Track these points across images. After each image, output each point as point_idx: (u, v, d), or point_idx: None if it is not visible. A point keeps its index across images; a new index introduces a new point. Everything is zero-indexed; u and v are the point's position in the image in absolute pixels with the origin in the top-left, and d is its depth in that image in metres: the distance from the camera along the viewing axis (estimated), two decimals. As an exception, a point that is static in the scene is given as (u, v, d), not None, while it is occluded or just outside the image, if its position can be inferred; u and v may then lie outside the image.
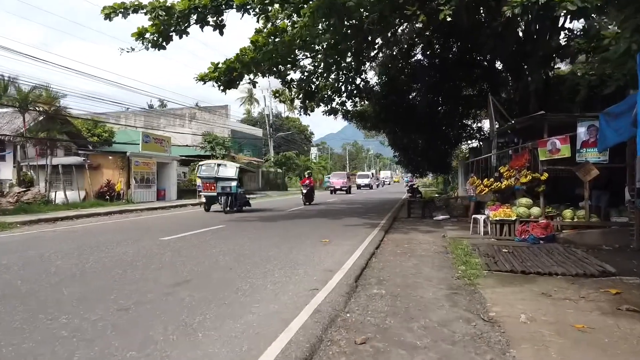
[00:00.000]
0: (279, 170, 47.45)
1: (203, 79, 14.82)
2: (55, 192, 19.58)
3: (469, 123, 25.14)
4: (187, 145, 33.13)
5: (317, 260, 7.38)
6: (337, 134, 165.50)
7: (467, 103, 22.64)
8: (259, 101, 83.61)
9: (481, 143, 23.11)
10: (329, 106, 21.32)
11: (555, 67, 16.56)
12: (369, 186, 54.09)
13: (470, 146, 24.36)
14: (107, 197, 21.37)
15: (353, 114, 23.87)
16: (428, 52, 21.58)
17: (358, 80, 21.15)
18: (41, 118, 21.21)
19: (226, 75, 14.48)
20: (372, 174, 61.95)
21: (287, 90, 16.72)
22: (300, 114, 21.10)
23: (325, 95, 20.19)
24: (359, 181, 54.62)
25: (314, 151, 75.44)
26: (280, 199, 31.90)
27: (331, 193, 40.17)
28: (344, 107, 22.60)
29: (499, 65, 21.43)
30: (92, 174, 22.42)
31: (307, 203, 22.79)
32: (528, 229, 9.98)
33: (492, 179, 11.72)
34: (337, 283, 5.62)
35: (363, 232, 11.44)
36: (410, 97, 23.19)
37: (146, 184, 23.44)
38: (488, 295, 5.15)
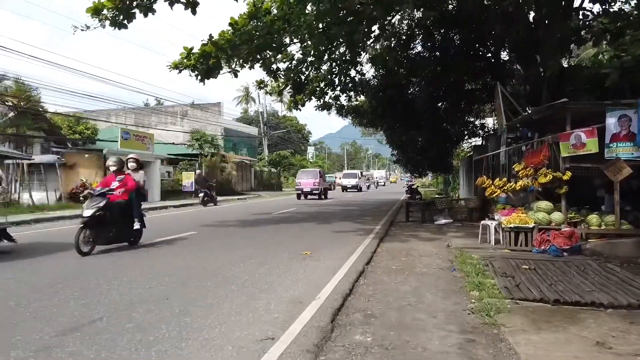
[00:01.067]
0: (273, 169, 45.83)
1: (177, 67, 13.22)
2: (30, 192, 18.01)
3: (472, 120, 23.58)
4: (172, 143, 31.49)
5: (288, 283, 5.78)
6: (336, 133, 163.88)
7: (470, 98, 21.05)
8: (255, 100, 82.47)
9: (485, 141, 21.56)
10: (322, 100, 19.77)
11: (571, 55, 14.98)
12: (357, 188, 45.11)
13: (473, 144, 22.73)
14: (82, 198, 19.73)
15: (348, 109, 22.30)
16: (428, 44, 19.97)
17: (353, 73, 19.59)
18: (11, 113, 19.64)
19: (202, 62, 12.89)
20: (361, 173, 49.90)
21: (273, 80, 15.12)
22: (291, 110, 19.53)
23: (317, 88, 18.62)
24: (344, 182, 46.30)
25: (310, 150, 73.91)
26: (271, 199, 30.31)
27: (298, 198, 30.93)
28: (338, 102, 21.03)
29: (504, 56, 19.90)
30: (67, 173, 20.81)
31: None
32: (549, 238, 8.39)
33: (504, 179, 10.11)
34: (305, 325, 4.01)
35: (354, 240, 9.86)
36: (409, 91, 21.61)
37: (125, 184, 21.80)
38: (521, 348, 3.55)
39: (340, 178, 51.81)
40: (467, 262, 7.16)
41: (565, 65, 14.77)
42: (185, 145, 30.26)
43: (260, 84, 15.43)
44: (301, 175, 33.73)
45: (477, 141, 22.47)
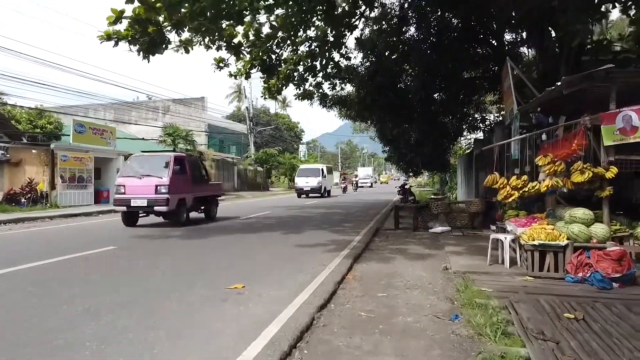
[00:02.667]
0: (260, 168, 43.24)
1: (110, 37, 10.61)
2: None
3: (472, 112, 21.10)
4: (142, 139, 28.86)
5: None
6: (333, 133, 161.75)
7: (469, 88, 18.56)
8: (248, 96, 79.64)
9: (489, 132, 19.09)
10: (301, 88, 17.25)
11: (603, 18, 12.48)
12: (320, 191, 32.34)
13: (475, 138, 20.22)
14: (24, 200, 17.15)
15: (332, 99, 19.80)
16: (423, 25, 17.43)
17: (337, 57, 17.06)
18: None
19: (140, 32, 10.31)
20: (323, 169, 35.07)
21: (234, 58, 12.54)
22: (265, 97, 16.98)
23: (295, 73, 16.09)
24: (298, 183, 32.92)
25: (302, 149, 71.31)
26: (251, 201, 27.72)
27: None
28: (321, 90, 18.51)
29: (509, 38, 17.50)
30: (11, 171, 18.20)
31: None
32: (589, 261, 5.89)
33: (524, 177, 7.55)
34: None
35: (319, 260, 7.33)
36: (402, 79, 19.12)
37: (80, 184, 19.19)
38: None
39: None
40: (476, 303, 4.65)
41: (593, 38, 12.31)
42: (156, 142, 27.59)
43: (220, 62, 12.84)
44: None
45: (478, 136, 19.96)
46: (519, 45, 17.26)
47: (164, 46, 11.16)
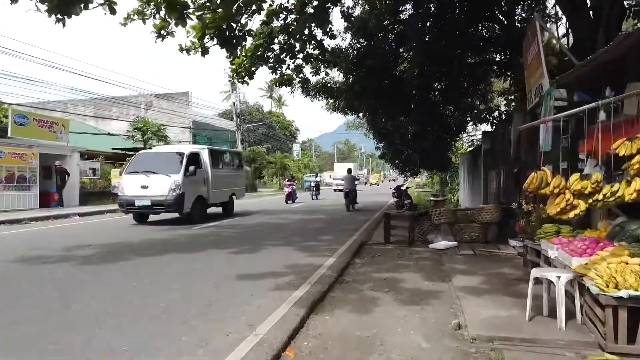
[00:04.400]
0: (247, 168, 40.39)
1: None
2: None
3: (476, 103, 18.39)
4: (108, 134, 26.10)
5: None
6: (331, 133, 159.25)
7: (474, 75, 15.88)
8: (244, 94, 76.84)
9: (495, 126, 16.39)
10: (278, 72, 14.53)
11: None
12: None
13: (481, 131, 17.47)
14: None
15: (317, 86, 17.12)
16: (422, 2, 14.69)
17: (320, 35, 14.36)
18: None
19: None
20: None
21: (180, 23, 9.81)
22: (234, 81, 14.30)
23: (269, 53, 13.40)
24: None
25: (296, 148, 68.53)
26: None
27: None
28: (302, 75, 15.76)
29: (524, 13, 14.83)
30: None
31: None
32: None
33: (596, 177, 4.68)
34: None
35: (251, 312, 4.58)
36: (397, 63, 16.43)
37: (20, 185, 16.39)
38: None
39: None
40: None
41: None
42: (124, 138, 24.78)
43: (161, 30, 10.07)
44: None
45: (482, 131, 17.22)
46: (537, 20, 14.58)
47: (81, 4, 8.39)
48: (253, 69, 13.48)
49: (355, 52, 15.93)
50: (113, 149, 27.64)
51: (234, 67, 13.35)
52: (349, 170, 34.09)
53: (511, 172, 9.43)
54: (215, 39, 10.98)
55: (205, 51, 11.54)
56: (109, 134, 26.07)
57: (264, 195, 36.02)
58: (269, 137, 64.35)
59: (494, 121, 16.85)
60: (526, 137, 9.23)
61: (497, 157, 12.10)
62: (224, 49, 11.32)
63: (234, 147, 47.28)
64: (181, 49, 11.30)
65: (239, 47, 11.74)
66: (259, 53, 13.24)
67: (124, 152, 25.98)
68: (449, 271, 6.54)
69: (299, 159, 63.44)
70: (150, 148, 25.83)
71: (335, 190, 41.07)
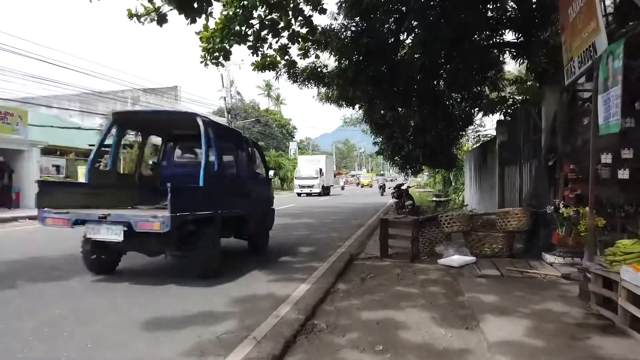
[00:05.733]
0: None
1: None
2: None
3: (485, 91, 16.24)
4: (78, 128, 24.00)
5: None
6: (331, 134, 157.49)
7: (484, 60, 13.72)
8: (240, 93, 74.58)
9: (509, 116, 14.28)
10: (259, 53, 12.43)
11: None
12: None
13: (498, 120, 15.31)
14: None
15: (305, 71, 15.04)
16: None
17: (309, 10, 12.31)
18: None
19: None
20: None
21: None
22: (206, 62, 12.19)
23: (248, 30, 11.32)
24: None
25: (292, 146, 66.46)
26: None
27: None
28: (288, 57, 13.63)
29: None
30: None
31: None
32: None
33: None
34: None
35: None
36: (396, 45, 14.27)
37: (-35, 183, 14.30)
38: None
39: None
40: None
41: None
42: (97, 132, 22.63)
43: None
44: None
45: (497, 120, 15.07)
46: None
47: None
48: (227, 46, 11.43)
49: (349, 32, 13.82)
50: (90, 145, 25.55)
51: (204, 44, 11.30)
52: (320, 170, 30.88)
53: (543, 166, 7.33)
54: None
55: (162, 19, 9.44)
56: (79, 128, 23.94)
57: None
58: (266, 136, 62.26)
59: (508, 111, 14.74)
60: (565, 118, 7.16)
61: (517, 149, 10.03)
62: (183, 15, 9.21)
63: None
64: (130, 15, 9.20)
65: (203, 14, 9.63)
66: (233, 28, 11.14)
67: (104, 148, 23.85)
68: (473, 307, 4.45)
69: (295, 157, 61.31)
70: (130, 145, 23.76)
71: (299, 194, 32.59)
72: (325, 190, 35.52)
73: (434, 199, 26.38)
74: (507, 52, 14.14)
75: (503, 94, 16.73)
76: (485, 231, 7.32)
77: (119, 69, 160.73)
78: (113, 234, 5.15)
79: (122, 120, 7.76)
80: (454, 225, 7.26)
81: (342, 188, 51.12)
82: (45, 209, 5.51)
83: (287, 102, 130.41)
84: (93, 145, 22.56)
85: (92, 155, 7.09)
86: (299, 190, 33.29)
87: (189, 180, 6.27)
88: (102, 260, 6.09)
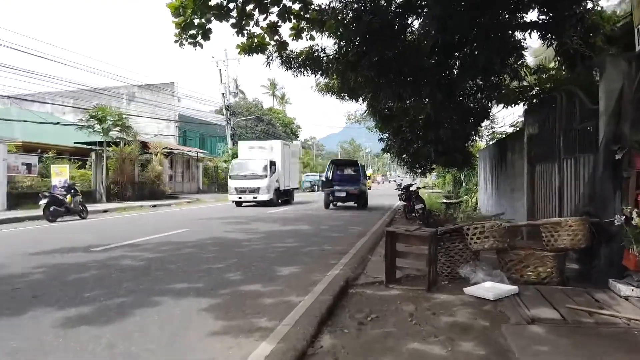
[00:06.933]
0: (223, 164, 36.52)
1: None
2: None
3: (506, 81, 14.28)
4: (57, 123, 22.26)
5: None
6: (338, 134, 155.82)
7: (506, 43, 11.78)
8: (243, 92, 72.90)
9: (536, 105, 12.36)
10: (244, 32, 10.66)
11: None
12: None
13: (525, 109, 13.34)
14: None
15: (299, 56, 13.20)
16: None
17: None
18: None
19: None
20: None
21: None
22: (182, 41, 10.41)
23: (230, 4, 9.57)
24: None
25: (296, 145, 64.51)
26: (204, 207, 21.04)
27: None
28: (278, 38, 11.76)
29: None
30: None
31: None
32: None
33: None
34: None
35: None
36: (404, 25, 12.38)
37: None
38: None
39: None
40: None
41: None
42: (76, 128, 20.86)
43: None
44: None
45: (524, 109, 13.11)
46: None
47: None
48: (203, 21, 9.67)
49: (349, 11, 11.95)
50: (75, 142, 23.87)
51: (175, 18, 9.53)
52: (272, 163, 21.31)
53: (607, 161, 5.43)
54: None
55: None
56: (58, 123, 22.24)
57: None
58: (268, 135, 60.50)
59: (534, 100, 12.79)
60: (635, 96, 5.28)
61: (555, 142, 8.13)
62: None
63: (223, 142, 43.45)
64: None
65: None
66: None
67: (90, 146, 22.23)
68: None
69: (299, 156, 59.44)
70: (115, 143, 22.01)
71: (238, 203, 21.35)
72: (283, 196, 23.69)
73: (444, 200, 24.48)
74: (533, 33, 12.22)
75: (525, 83, 14.81)
76: (528, 249, 5.43)
77: (116, 65, 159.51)
78: (343, 192, 19.66)
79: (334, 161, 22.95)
80: (485, 241, 5.38)
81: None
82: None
83: (292, 101, 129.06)
84: (79, 143, 20.65)
85: None
86: (235, 197, 21.30)
87: (346, 182, 20.70)
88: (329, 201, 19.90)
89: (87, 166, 22.41)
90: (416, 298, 4.89)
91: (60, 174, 16.95)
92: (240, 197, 21.03)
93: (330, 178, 21.12)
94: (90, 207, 16.49)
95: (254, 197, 21.04)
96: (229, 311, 4.40)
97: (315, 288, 5.01)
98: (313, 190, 42.26)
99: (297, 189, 28.08)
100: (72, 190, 13.93)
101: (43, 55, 24.58)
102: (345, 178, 21.40)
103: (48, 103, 39.60)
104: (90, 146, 22.37)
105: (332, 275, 5.70)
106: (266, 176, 21.23)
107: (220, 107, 61.59)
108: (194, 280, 5.72)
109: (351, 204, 20.49)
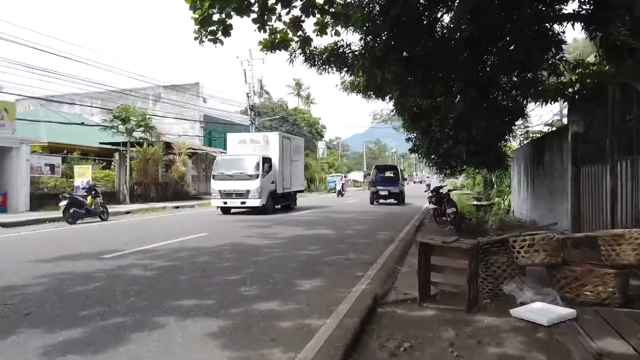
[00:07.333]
0: (261, 166, 36.22)
1: None
2: None
3: (544, 76, 13.33)
4: (82, 124, 22.25)
5: None
6: (363, 134, 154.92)
7: (544, 36, 10.93)
8: (269, 92, 72.84)
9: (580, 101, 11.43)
10: (267, 28, 10.19)
11: None
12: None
13: (566, 99, 12.40)
14: None
15: (323, 52, 12.65)
16: None
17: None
18: None
19: None
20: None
21: None
22: (201, 38, 9.98)
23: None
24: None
25: (321, 146, 64.09)
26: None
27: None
28: (301, 33, 11.22)
29: None
30: None
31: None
32: None
33: None
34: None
35: None
36: (434, 17, 11.67)
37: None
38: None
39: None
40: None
41: None
42: (100, 129, 20.81)
43: None
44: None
45: (568, 101, 12.19)
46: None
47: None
48: (223, 16, 9.23)
49: (376, 5, 11.30)
50: (101, 143, 23.91)
51: (193, 13, 9.13)
52: (266, 160, 17.30)
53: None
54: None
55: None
56: (82, 123, 22.27)
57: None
58: (293, 135, 60.21)
59: (575, 96, 11.88)
60: None
61: (606, 141, 7.34)
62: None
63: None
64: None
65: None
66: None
67: (115, 147, 22.22)
68: None
69: (323, 157, 58.93)
70: (139, 143, 21.90)
71: (224, 209, 18.03)
72: (282, 200, 19.71)
73: (475, 202, 23.54)
74: (574, 25, 11.33)
75: (563, 79, 13.85)
76: (583, 264, 4.72)
77: (142, 66, 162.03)
78: (385, 192, 24.66)
79: (377, 166, 28.66)
80: (535, 255, 4.69)
81: (340, 193, 35.43)
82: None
83: (317, 101, 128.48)
84: (103, 143, 20.55)
85: None
86: (219, 202, 17.75)
87: (387, 183, 25.58)
88: (373, 199, 24.39)
89: (111, 167, 22.40)
90: (456, 321, 4.25)
91: (83, 175, 16.84)
92: (225, 202, 17.45)
93: (374, 180, 25.79)
94: (113, 208, 16.31)
95: (242, 203, 17.24)
96: (239, 337, 3.84)
97: (338, 308, 4.41)
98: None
99: (301, 191, 23.73)
100: (93, 192, 13.72)
101: (73, 57, 24.77)
102: (386, 180, 25.89)
103: (76, 104, 40.14)
104: (114, 147, 22.39)
105: (358, 291, 5.10)
106: (258, 176, 17.22)
107: (246, 107, 61.65)
108: (204, 295, 5.20)
109: (392, 200, 24.71)
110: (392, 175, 26.77)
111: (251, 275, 6.19)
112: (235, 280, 5.97)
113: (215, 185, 17.67)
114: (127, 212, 16.26)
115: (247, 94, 37.11)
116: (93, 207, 13.51)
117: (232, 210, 17.89)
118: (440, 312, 4.57)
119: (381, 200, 24.61)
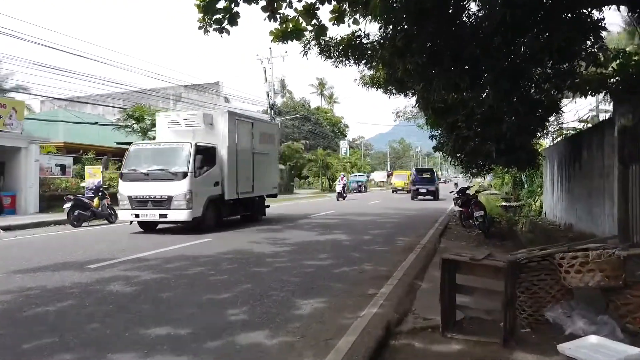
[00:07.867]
0: (282, 166, 35.65)
1: None
2: None
3: (582, 67, 12.15)
4: (96, 123, 21.91)
5: None
6: (387, 133, 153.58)
7: (581, 22, 9.81)
8: (291, 92, 72.37)
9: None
10: (278, 17, 9.53)
11: None
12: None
13: (609, 91, 11.26)
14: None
15: (340, 43, 11.85)
16: None
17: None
18: None
19: None
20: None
21: None
22: (206, 26, 9.30)
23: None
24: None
25: (343, 145, 63.19)
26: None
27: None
28: (316, 21, 10.40)
29: None
30: None
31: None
32: None
33: None
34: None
35: None
36: (463, 2, 10.71)
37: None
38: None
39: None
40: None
41: None
42: (114, 128, 20.43)
43: None
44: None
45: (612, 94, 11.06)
46: None
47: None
48: (232, 5, 8.63)
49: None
50: (117, 143, 23.61)
51: (197, 1, 8.50)
52: (204, 150, 12.11)
53: None
54: None
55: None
56: (96, 123, 21.95)
57: (299, 198, 30.98)
58: (316, 134, 59.46)
59: (619, 87, 10.72)
60: None
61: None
62: None
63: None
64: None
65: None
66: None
67: (125, 145, 21.89)
68: None
69: (346, 156, 58.00)
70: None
71: (141, 224, 12.35)
72: (239, 210, 14.36)
73: (503, 203, 22.31)
74: (619, 7, 10.21)
75: (604, 70, 12.63)
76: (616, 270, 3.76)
77: (163, 66, 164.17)
78: (424, 189, 30.24)
79: (417, 169, 36.74)
80: (589, 276, 3.75)
81: (341, 196, 29.85)
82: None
83: (341, 100, 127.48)
84: (120, 143, 20.00)
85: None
86: (128, 214, 11.91)
87: (425, 182, 30.54)
88: (414, 196, 30.05)
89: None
90: (489, 359, 3.36)
91: (94, 175, 16.42)
92: (137, 216, 11.72)
93: (414, 180, 31.27)
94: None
95: (161, 216, 11.57)
96: None
97: (339, 343, 3.53)
98: (360, 192, 40.37)
99: (274, 195, 16.91)
100: (100, 193, 13.19)
101: (96, 58, 24.62)
102: (424, 180, 30.94)
103: (99, 104, 40.32)
104: (125, 145, 22.08)
105: (367, 316, 4.23)
106: (186, 174, 11.50)
107: (267, 107, 61.29)
108: (181, 321, 4.39)
109: (429, 197, 29.52)
110: (429, 176, 31.91)
111: (244, 293, 5.39)
112: (224, 299, 5.17)
113: (124, 189, 11.87)
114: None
115: (267, 92, 36.56)
116: (100, 209, 12.98)
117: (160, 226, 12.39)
118: (469, 346, 3.68)
119: (420, 197, 29.62)
